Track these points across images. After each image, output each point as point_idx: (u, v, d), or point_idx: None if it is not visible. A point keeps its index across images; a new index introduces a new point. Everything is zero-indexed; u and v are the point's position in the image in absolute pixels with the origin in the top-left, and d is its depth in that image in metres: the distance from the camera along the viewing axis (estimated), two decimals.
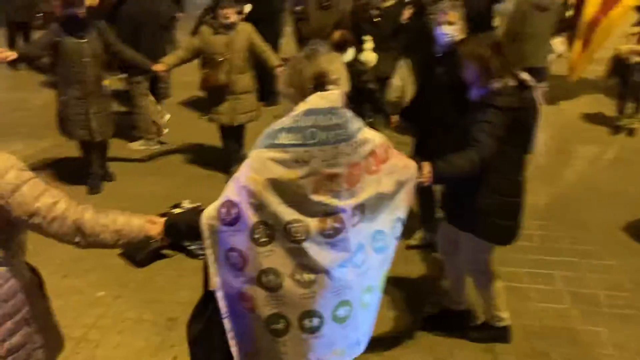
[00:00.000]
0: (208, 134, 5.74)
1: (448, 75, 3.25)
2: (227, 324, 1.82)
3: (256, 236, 1.71)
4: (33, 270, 1.96)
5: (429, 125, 3.53)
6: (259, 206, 1.68)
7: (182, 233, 1.84)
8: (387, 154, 1.86)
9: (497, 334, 3.06)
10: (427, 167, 2.13)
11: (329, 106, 1.68)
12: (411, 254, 3.99)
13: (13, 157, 1.75)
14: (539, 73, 6.26)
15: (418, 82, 3.78)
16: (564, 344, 3.10)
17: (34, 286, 1.92)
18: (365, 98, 4.03)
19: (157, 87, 7.16)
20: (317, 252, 1.73)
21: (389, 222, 1.93)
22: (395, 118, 3.89)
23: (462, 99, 2.75)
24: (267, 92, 6.93)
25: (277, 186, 1.67)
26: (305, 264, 1.74)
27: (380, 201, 1.85)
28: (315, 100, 1.70)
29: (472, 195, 2.68)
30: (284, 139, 1.66)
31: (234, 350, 1.83)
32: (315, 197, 1.68)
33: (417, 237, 4.05)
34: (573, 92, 7.67)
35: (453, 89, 3.02)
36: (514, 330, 3.16)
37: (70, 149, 5.21)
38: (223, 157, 5.29)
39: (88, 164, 4.90)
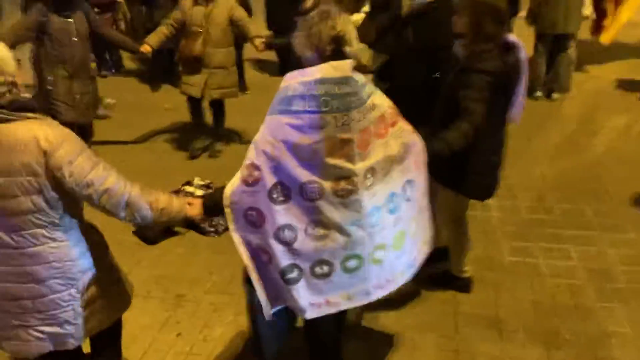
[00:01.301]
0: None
1: (418, 38, 3.33)
2: (251, 271, 1.89)
3: (274, 195, 1.78)
4: (97, 231, 2.11)
5: (398, 90, 3.52)
6: (277, 168, 1.75)
7: (219, 211, 1.89)
8: (394, 118, 1.91)
9: (462, 284, 3.17)
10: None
11: (340, 76, 1.72)
12: None
13: (66, 129, 1.84)
14: (568, 39, 6.11)
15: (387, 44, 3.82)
16: (576, 321, 3.02)
17: (102, 245, 2.09)
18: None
19: (177, 65, 7.29)
20: (330, 210, 1.80)
21: (400, 183, 1.98)
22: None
23: (431, 65, 2.84)
24: (285, 67, 7.06)
25: (294, 149, 1.73)
26: (319, 220, 1.81)
27: (390, 164, 1.90)
28: (328, 70, 1.73)
29: (456, 154, 2.62)
30: (298, 105, 1.70)
31: (259, 292, 1.91)
32: (330, 161, 1.74)
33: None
34: (604, 57, 7.36)
35: (422, 53, 3.11)
36: (523, 307, 3.11)
37: None
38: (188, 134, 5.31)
39: None
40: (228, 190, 1.85)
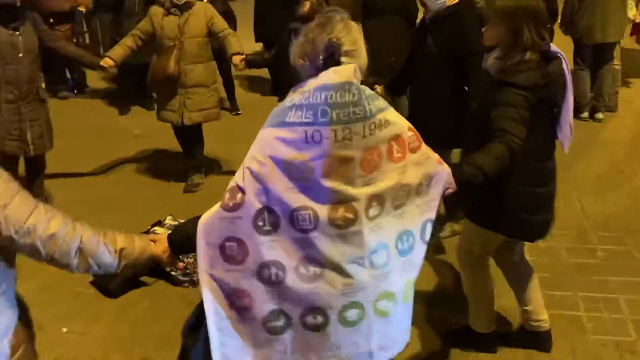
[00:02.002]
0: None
1: (439, 46, 3.44)
2: (211, 328, 1.87)
3: (259, 223, 1.77)
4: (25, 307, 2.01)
5: (418, 102, 3.76)
6: (264, 190, 1.75)
7: (191, 247, 1.89)
8: (419, 142, 1.92)
9: (487, 342, 3.14)
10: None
11: (342, 81, 1.74)
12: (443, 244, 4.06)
13: None
14: (610, 49, 6.06)
15: (405, 52, 3.97)
16: None
17: (26, 322, 1.98)
18: None
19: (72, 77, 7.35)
20: (326, 244, 1.78)
21: (418, 222, 1.98)
22: (379, 89, 3.92)
23: (455, 74, 2.89)
24: (279, 85, 7.09)
25: (285, 168, 1.73)
26: (312, 256, 1.80)
27: (405, 194, 1.90)
28: (328, 75, 1.76)
29: (492, 186, 2.63)
30: (293, 117, 1.73)
31: (218, 346, 1.88)
32: (326, 182, 1.74)
33: (448, 230, 4.22)
34: None
35: (444, 61, 3.19)
36: None
37: None
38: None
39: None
40: (202, 219, 1.85)
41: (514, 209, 2.77)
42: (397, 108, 4.99)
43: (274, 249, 1.80)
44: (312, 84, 1.76)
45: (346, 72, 1.77)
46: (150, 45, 4.97)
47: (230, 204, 1.79)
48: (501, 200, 2.75)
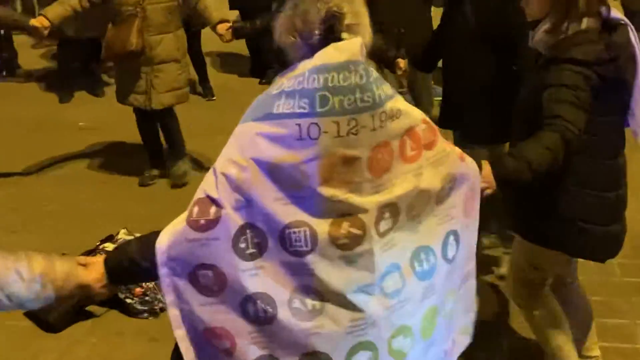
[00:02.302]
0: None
1: (481, 16, 3.49)
2: None
3: (241, 245, 1.76)
4: None
5: (453, 86, 3.83)
6: (246, 202, 1.74)
7: (136, 275, 1.90)
8: (432, 137, 1.91)
9: None
10: (486, 167, 2.15)
11: (345, 60, 1.72)
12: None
13: None
14: None
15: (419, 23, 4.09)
16: None
17: None
18: None
19: (99, 62, 7.50)
20: (327, 270, 1.77)
21: (439, 235, 1.98)
22: (403, 65, 4.01)
23: (500, 51, 2.95)
24: (259, 64, 7.45)
25: (272, 173, 1.72)
26: (310, 285, 1.78)
27: (423, 202, 1.90)
28: (328, 53, 1.74)
29: (546, 189, 2.64)
30: (282, 107, 1.71)
31: None
32: (326, 190, 1.73)
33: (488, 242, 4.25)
34: None
35: (486, 36, 3.20)
36: None
37: None
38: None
39: None
40: (163, 240, 1.81)
41: (576, 219, 2.72)
42: (423, 89, 5.27)
43: (260, 278, 1.78)
44: (306, 64, 1.73)
45: (351, 48, 1.75)
46: (100, 13, 4.92)
47: (202, 222, 1.76)
48: (558, 207, 2.72)
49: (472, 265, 2.14)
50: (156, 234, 1.83)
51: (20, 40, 8.37)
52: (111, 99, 7.08)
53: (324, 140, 1.69)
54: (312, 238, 1.75)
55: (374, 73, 1.76)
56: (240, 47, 7.36)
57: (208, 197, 1.77)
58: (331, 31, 1.78)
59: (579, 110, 2.44)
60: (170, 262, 1.81)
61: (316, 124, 1.69)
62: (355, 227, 1.77)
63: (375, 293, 1.84)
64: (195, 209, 1.77)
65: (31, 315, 3.85)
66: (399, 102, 1.81)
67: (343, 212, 1.76)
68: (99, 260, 1.94)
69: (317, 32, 1.78)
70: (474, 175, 2.05)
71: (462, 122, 3.79)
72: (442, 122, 3.88)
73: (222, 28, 4.66)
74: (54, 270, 1.85)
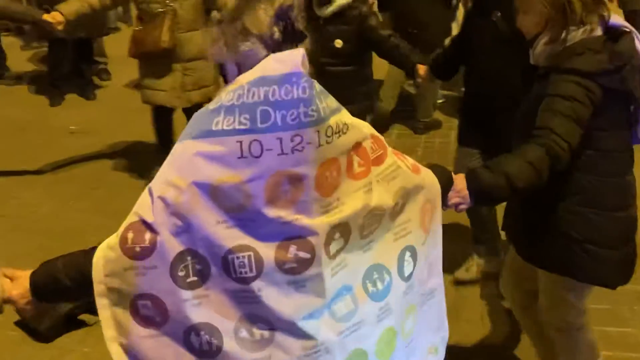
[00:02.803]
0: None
1: (511, 22, 3.22)
2: None
3: (180, 274, 1.71)
4: None
5: (477, 92, 3.75)
6: (185, 227, 1.69)
7: (64, 294, 1.85)
8: (382, 149, 1.87)
9: None
10: (460, 181, 2.13)
11: (287, 72, 1.67)
12: (461, 295, 3.96)
13: None
14: None
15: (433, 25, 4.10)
16: None
17: None
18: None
19: (90, 64, 7.55)
20: (274, 297, 1.74)
21: (392, 252, 1.95)
22: (423, 71, 3.99)
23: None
24: None
25: (213, 196, 1.67)
26: (257, 314, 1.75)
27: (375, 220, 1.87)
28: (268, 65, 1.69)
29: (550, 209, 2.60)
30: (221, 123, 1.66)
31: None
32: (271, 211, 1.69)
33: (470, 267, 4.17)
34: None
35: (517, 41, 3.00)
36: None
37: None
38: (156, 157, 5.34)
39: None
40: (99, 268, 1.77)
41: (584, 241, 2.62)
42: (427, 90, 5.49)
43: (203, 308, 1.74)
44: (245, 77, 1.69)
45: (292, 59, 1.70)
46: (100, 13, 4.89)
47: (137, 249, 1.71)
48: (563, 228, 2.63)
49: (435, 281, 2.11)
50: (84, 253, 1.79)
51: (8, 42, 8.28)
52: (102, 102, 7.27)
53: (267, 159, 1.65)
54: (257, 263, 1.71)
55: (317, 85, 1.71)
56: None
57: (142, 221, 1.71)
58: (291, 27, 1.78)
59: (572, 123, 2.37)
60: (109, 293, 1.77)
61: (258, 140, 1.65)
62: (304, 251, 1.73)
63: (326, 318, 1.80)
64: (130, 235, 1.72)
65: (22, 324, 3.83)
66: (345, 116, 1.77)
67: (290, 234, 1.72)
68: (25, 274, 1.87)
69: (275, 29, 1.77)
70: (432, 187, 2.02)
71: (487, 131, 3.70)
72: (465, 132, 3.88)
73: None
74: None
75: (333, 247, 1.78)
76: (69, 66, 7.25)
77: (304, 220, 1.71)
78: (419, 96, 6.34)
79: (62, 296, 1.88)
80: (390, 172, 1.89)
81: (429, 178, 2.00)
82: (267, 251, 1.70)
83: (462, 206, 2.15)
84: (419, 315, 2.07)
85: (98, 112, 6.68)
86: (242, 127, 1.64)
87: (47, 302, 1.93)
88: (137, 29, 4.90)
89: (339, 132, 1.73)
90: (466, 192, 2.14)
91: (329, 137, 1.70)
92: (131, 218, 1.73)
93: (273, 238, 1.71)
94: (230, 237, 1.69)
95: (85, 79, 7.46)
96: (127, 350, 1.81)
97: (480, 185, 2.16)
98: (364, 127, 1.82)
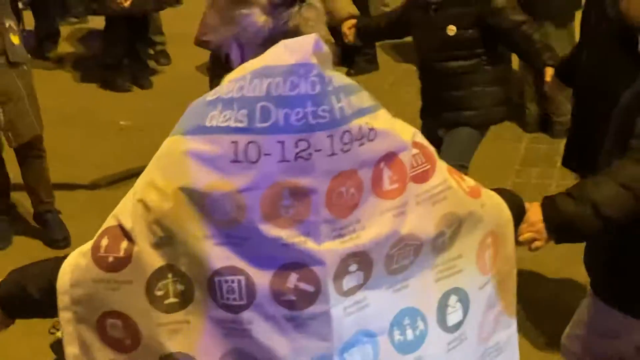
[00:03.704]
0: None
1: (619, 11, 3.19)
2: None
3: (158, 293, 1.67)
4: None
5: (588, 99, 3.53)
6: (167, 239, 1.65)
7: (34, 307, 1.83)
8: (429, 164, 1.79)
9: None
10: (534, 211, 2.06)
11: (294, 62, 1.60)
12: None
13: None
14: None
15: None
16: None
17: None
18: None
19: (145, 45, 7.46)
20: (268, 333, 1.67)
21: (433, 295, 1.86)
22: (551, 72, 3.74)
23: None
24: (347, 51, 6.98)
25: (201, 205, 1.63)
26: (246, 351, 1.70)
27: (409, 251, 1.78)
28: (275, 52, 1.64)
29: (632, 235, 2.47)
30: (216, 118, 1.60)
31: None
32: (269, 230, 1.62)
33: None
34: None
35: (627, 32, 3.02)
36: None
37: None
38: None
39: None
40: (65, 277, 1.73)
41: None
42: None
43: (183, 336, 1.69)
44: (249, 64, 1.65)
45: (303, 47, 1.63)
46: None
47: (110, 259, 1.68)
48: None
49: (503, 334, 2.01)
50: (56, 260, 1.77)
51: None
52: (159, 92, 6.92)
53: (265, 165, 1.60)
54: (249, 290, 1.66)
55: (337, 80, 1.64)
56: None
57: (120, 226, 1.69)
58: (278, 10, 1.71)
59: None
60: (74, 306, 1.75)
61: (255, 142, 1.59)
62: (306, 282, 1.66)
63: None
64: (104, 242, 1.69)
65: None
66: (377, 120, 1.69)
67: (291, 260, 1.65)
68: None
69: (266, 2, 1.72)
70: (498, 216, 1.93)
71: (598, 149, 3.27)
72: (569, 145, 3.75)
73: (347, 25, 4.42)
74: None
75: (348, 282, 1.71)
76: (124, 47, 6.92)
77: (308, 245, 1.64)
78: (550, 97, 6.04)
79: (30, 311, 1.83)
80: (437, 193, 1.80)
81: (494, 204, 1.91)
82: (262, 277, 1.66)
83: (537, 243, 2.05)
84: None
85: (154, 104, 6.44)
86: (239, 124, 1.59)
87: (19, 318, 1.95)
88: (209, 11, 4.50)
89: (361, 138, 1.65)
90: (542, 225, 2.05)
91: (346, 144, 1.63)
92: (109, 222, 1.71)
93: (270, 262, 1.66)
94: (218, 256, 1.65)
95: (141, 62, 7.09)
96: None
97: (562, 217, 2.09)
98: (404, 134, 1.74)
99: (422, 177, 1.76)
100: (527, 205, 2.07)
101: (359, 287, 1.72)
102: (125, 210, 1.69)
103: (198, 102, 1.67)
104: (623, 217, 2.17)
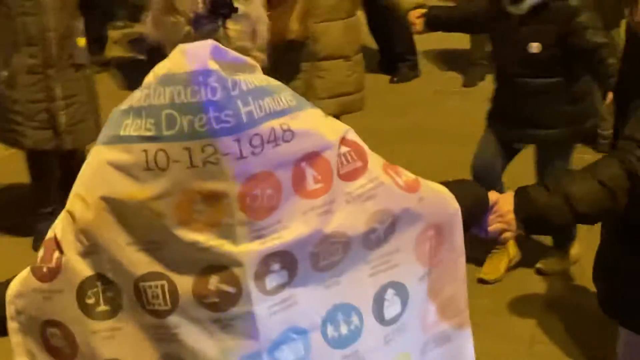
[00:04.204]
0: None
1: None
2: None
3: (88, 301, 1.70)
4: None
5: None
6: (92, 248, 1.68)
7: None
8: (361, 161, 1.77)
9: None
10: (505, 202, 2.07)
11: (194, 69, 1.61)
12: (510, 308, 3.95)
13: None
14: None
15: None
16: None
17: None
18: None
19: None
20: (195, 336, 1.69)
21: (369, 290, 1.85)
22: (611, 96, 3.52)
23: None
24: (389, 58, 7.11)
25: (120, 213, 1.65)
26: (177, 355, 1.70)
27: (336, 249, 1.76)
28: (174, 59, 1.65)
29: None
30: (130, 127, 1.62)
31: None
32: (186, 235, 1.63)
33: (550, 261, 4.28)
34: None
35: None
36: None
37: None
38: None
39: (42, 193, 4.66)
40: (13, 287, 1.78)
41: None
42: None
43: (116, 342, 1.71)
44: (155, 71, 1.65)
45: (201, 52, 1.63)
46: None
47: (44, 270, 1.71)
48: None
49: (452, 323, 2.00)
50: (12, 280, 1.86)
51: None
52: None
53: (175, 172, 1.60)
54: (172, 295, 1.66)
55: (245, 84, 1.63)
56: (364, 36, 6.49)
57: (55, 238, 1.72)
58: (216, 10, 1.72)
59: None
60: (18, 316, 1.79)
61: (163, 150, 1.60)
62: (227, 283, 1.66)
63: None
64: (41, 253, 1.73)
65: None
66: (295, 120, 1.67)
67: (210, 263, 1.66)
68: None
69: (201, 5, 1.72)
70: (440, 209, 1.90)
71: None
72: None
73: (414, 15, 4.33)
74: None
75: (271, 281, 1.70)
76: None
77: (225, 247, 1.65)
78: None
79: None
80: (368, 190, 1.78)
81: (435, 197, 1.89)
82: (184, 281, 1.66)
83: (507, 234, 2.07)
84: None
85: None
86: (148, 133, 1.60)
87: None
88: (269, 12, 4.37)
89: (274, 140, 1.64)
90: (512, 216, 2.04)
91: (255, 147, 1.63)
92: (49, 234, 1.76)
93: (190, 267, 1.66)
94: (140, 262, 1.66)
95: None
96: None
97: (532, 206, 2.08)
98: (329, 134, 1.72)
99: (351, 175, 1.76)
100: (495, 196, 2.06)
101: (284, 285, 1.73)
102: (59, 222, 1.72)
103: (115, 111, 1.68)
104: (595, 214, 2.18)
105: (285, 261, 1.70)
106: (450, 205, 1.89)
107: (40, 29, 4.15)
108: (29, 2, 4.14)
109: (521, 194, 2.08)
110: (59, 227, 1.69)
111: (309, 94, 4.39)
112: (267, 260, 1.67)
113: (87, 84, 4.48)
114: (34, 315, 1.75)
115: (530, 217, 2.07)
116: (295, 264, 1.72)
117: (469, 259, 1.97)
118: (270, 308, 1.70)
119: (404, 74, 6.69)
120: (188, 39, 1.65)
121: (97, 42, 7.55)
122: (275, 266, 1.69)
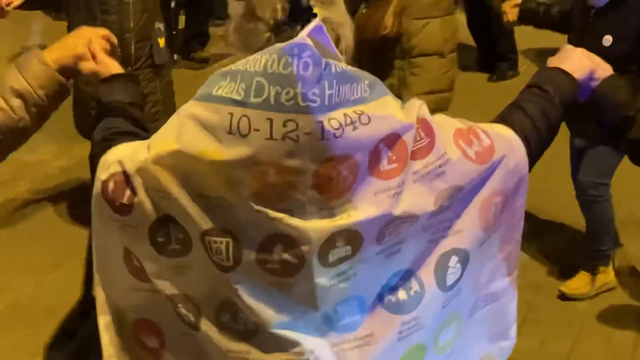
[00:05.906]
0: None
1: None
2: None
3: (160, 239, 1.77)
4: None
5: None
6: (164, 194, 1.72)
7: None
8: (429, 137, 1.77)
9: None
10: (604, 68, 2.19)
11: (291, 42, 1.62)
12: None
13: None
14: None
15: None
16: None
17: None
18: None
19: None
20: (255, 294, 1.72)
21: (431, 257, 1.86)
22: None
23: None
24: (488, 54, 7.14)
25: (193, 168, 1.68)
26: (235, 306, 1.76)
27: (402, 229, 1.77)
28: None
29: None
30: (223, 88, 1.65)
31: None
32: (256, 202, 1.65)
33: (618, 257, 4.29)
34: None
35: None
36: None
37: None
38: None
39: None
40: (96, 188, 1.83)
41: None
42: None
43: (183, 279, 1.77)
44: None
45: (306, 29, 1.71)
46: None
47: (117, 204, 1.77)
48: None
49: (501, 284, 2.01)
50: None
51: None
52: None
53: (254, 140, 1.61)
54: (235, 253, 1.69)
55: (334, 67, 1.63)
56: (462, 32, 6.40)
57: (124, 173, 1.76)
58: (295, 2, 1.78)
59: None
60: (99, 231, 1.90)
61: (247, 116, 1.61)
62: (290, 254, 1.68)
63: (319, 326, 1.77)
64: (111, 185, 1.77)
65: None
66: (375, 106, 1.67)
67: (276, 231, 1.67)
68: (113, 64, 2.14)
69: (279, 7, 1.78)
70: (510, 178, 1.89)
71: None
72: None
73: (509, 4, 4.35)
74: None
75: (333, 255, 1.71)
76: None
77: (294, 222, 1.66)
78: None
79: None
80: (435, 168, 1.78)
81: (508, 162, 1.87)
82: (248, 244, 1.69)
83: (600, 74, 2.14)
84: (468, 322, 2.00)
85: None
86: (237, 97, 1.62)
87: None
88: (362, 12, 4.51)
89: (352, 123, 1.63)
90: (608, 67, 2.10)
91: (336, 129, 1.62)
92: (114, 167, 1.78)
93: (256, 231, 1.69)
94: (206, 217, 1.69)
95: None
96: (112, 304, 1.94)
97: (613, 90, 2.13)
98: (407, 116, 1.73)
99: (419, 153, 1.76)
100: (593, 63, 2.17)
101: (345, 258, 1.73)
102: (129, 157, 1.77)
103: (217, 72, 1.72)
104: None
105: (351, 238, 1.71)
106: (520, 170, 1.89)
107: (120, 29, 4.18)
108: (112, 1, 4.22)
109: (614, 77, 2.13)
110: (129, 164, 1.74)
111: (404, 91, 4.41)
112: (334, 237, 1.68)
113: (162, 84, 4.52)
114: (110, 240, 1.84)
115: (603, 91, 2.14)
116: (361, 241, 1.72)
117: None
118: (330, 279, 1.72)
119: (503, 72, 6.63)
120: (268, 44, 1.68)
121: (198, 38, 7.77)
122: (341, 242, 1.70)
